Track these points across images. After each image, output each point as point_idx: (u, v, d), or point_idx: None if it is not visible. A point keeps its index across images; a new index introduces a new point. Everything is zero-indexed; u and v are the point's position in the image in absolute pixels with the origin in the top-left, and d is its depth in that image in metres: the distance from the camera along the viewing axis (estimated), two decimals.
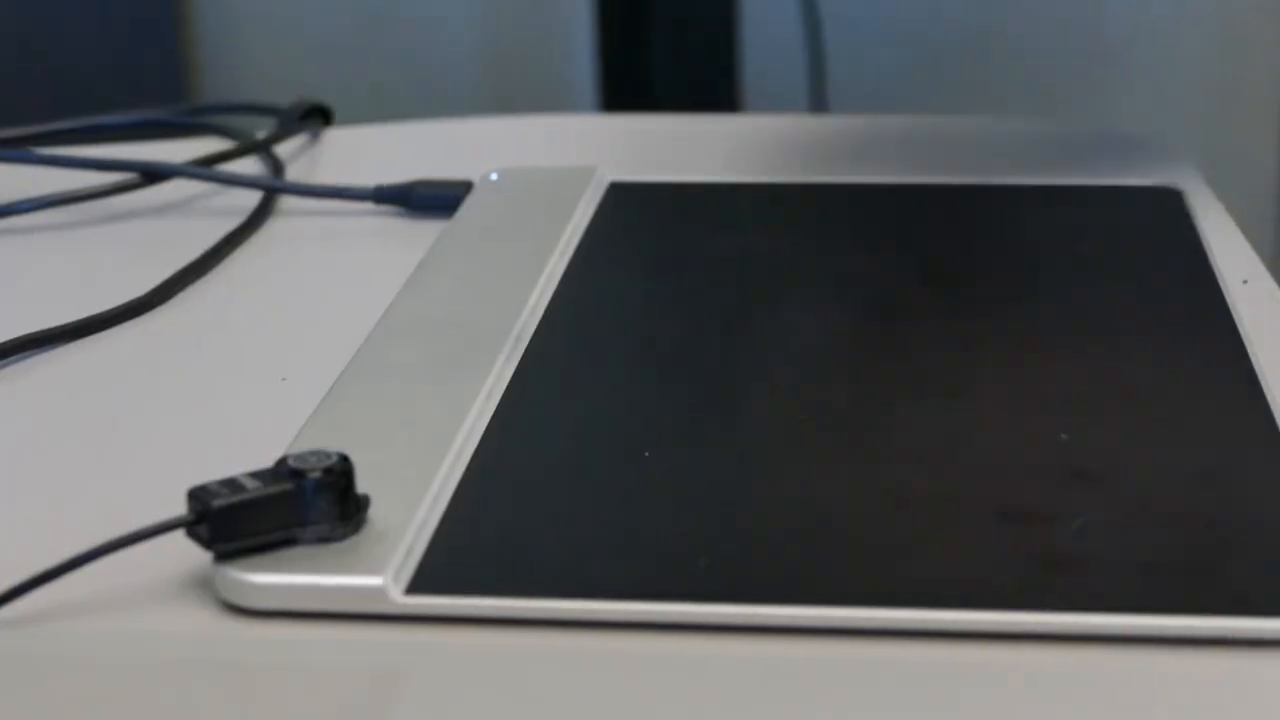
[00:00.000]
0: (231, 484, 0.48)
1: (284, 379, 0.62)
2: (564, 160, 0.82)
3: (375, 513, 0.49)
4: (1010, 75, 2.02)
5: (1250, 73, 2.02)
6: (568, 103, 2.04)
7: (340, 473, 0.48)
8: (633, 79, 1.83)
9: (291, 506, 0.48)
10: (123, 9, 1.94)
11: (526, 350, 0.61)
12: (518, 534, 0.50)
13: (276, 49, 2.07)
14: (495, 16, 2.05)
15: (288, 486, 0.48)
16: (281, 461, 0.49)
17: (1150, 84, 2.02)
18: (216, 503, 0.47)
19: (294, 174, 0.83)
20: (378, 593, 0.47)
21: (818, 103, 1.95)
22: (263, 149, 0.84)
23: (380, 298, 0.66)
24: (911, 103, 1.97)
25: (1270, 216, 2.04)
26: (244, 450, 0.56)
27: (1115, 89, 2.02)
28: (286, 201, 0.80)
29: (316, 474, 0.48)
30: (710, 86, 1.81)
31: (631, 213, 0.75)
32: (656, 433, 0.55)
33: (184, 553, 0.49)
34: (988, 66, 2.02)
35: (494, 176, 0.78)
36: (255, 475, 0.49)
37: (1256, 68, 2.02)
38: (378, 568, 0.47)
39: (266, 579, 0.47)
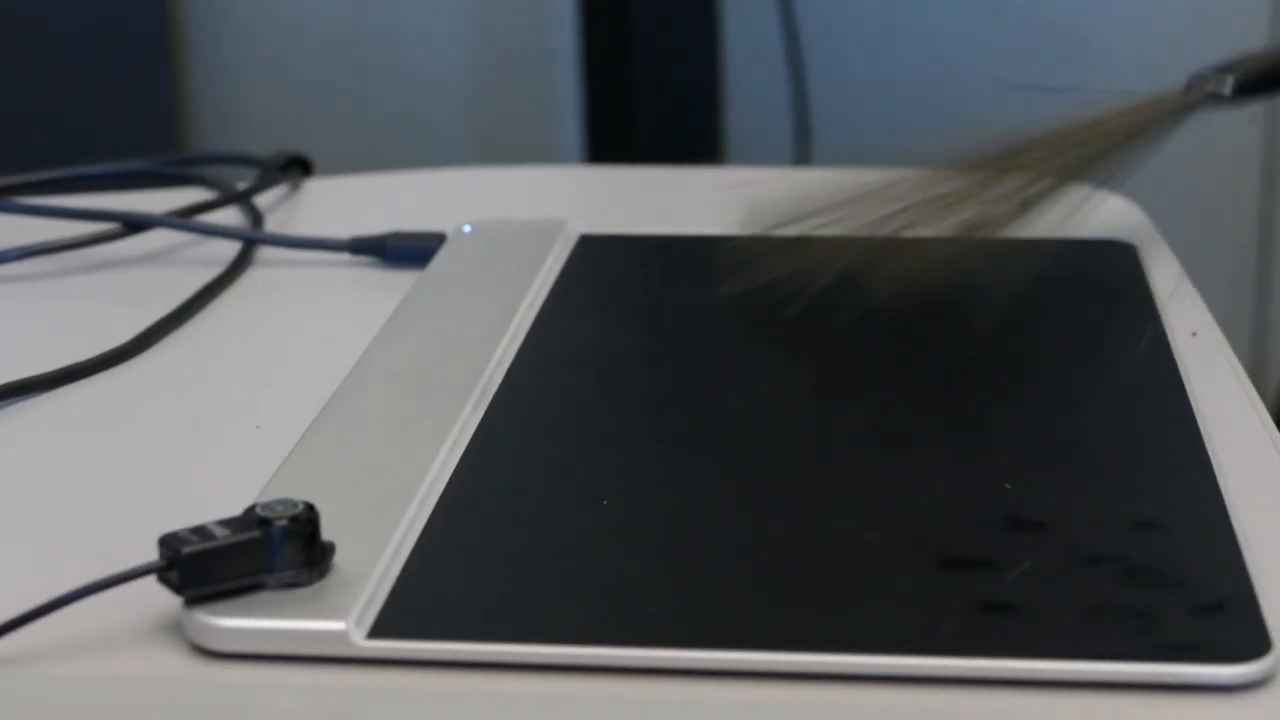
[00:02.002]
0: (201, 531, 0.50)
1: (258, 427, 0.63)
2: (541, 211, 0.84)
3: (340, 559, 0.51)
4: (994, 119, 2.04)
5: (1232, 122, 2.04)
6: (553, 153, 2.06)
7: (306, 521, 0.50)
8: (617, 129, 1.85)
9: (259, 553, 0.50)
10: (118, 62, 1.96)
11: (492, 402, 0.62)
12: (478, 580, 0.51)
13: (269, 101, 2.09)
14: (482, 68, 2.07)
15: (255, 534, 0.50)
16: (250, 510, 0.51)
17: None
18: (186, 549, 0.49)
19: (273, 224, 0.85)
20: (340, 637, 0.48)
21: (801, 149, 1.97)
22: (243, 200, 0.85)
23: (353, 347, 0.68)
24: (899, 147, 1.99)
25: (1252, 254, 2.06)
26: (218, 497, 0.58)
27: None
28: (265, 252, 0.81)
29: (283, 522, 0.50)
30: (693, 137, 1.83)
31: (600, 265, 0.76)
32: (615, 482, 0.57)
33: (155, 597, 0.51)
34: (973, 110, 2.03)
35: (466, 229, 0.80)
36: (224, 523, 0.50)
37: (1239, 117, 2.04)
38: (341, 613, 0.49)
39: (234, 623, 0.49)
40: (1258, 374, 2.07)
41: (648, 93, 1.83)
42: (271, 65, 2.09)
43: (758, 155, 1.98)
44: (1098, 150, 0.75)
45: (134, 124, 1.96)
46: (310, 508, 0.51)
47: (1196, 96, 0.78)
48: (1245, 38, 1.99)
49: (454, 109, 2.08)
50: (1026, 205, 0.73)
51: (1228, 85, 0.78)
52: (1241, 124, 2.04)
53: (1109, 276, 0.74)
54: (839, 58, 2.03)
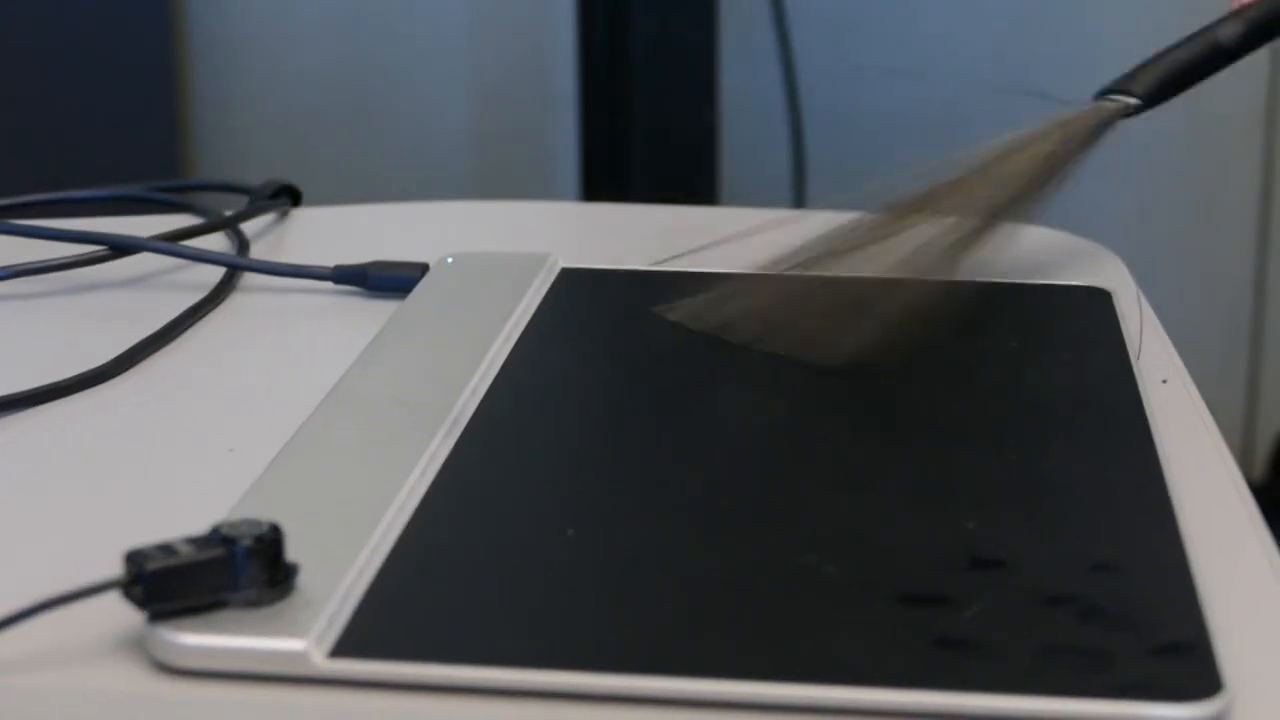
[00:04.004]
0: (166, 548, 0.50)
1: (232, 450, 0.64)
2: (528, 246, 0.84)
3: (304, 580, 0.51)
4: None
5: (1228, 169, 2.05)
6: (550, 194, 2.07)
7: (270, 541, 0.50)
8: (615, 171, 1.85)
9: (222, 571, 0.50)
10: (121, 92, 1.97)
11: (464, 431, 0.63)
12: (442, 604, 0.52)
13: (269, 140, 2.10)
14: (482, 109, 2.08)
15: (219, 552, 0.50)
16: (215, 529, 0.51)
17: (1126, 177, 2.04)
18: (151, 565, 0.50)
19: (259, 252, 0.85)
20: (300, 656, 0.49)
21: (798, 192, 1.97)
22: (229, 226, 0.86)
23: (331, 374, 0.68)
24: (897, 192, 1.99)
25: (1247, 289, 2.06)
26: (188, 517, 0.58)
27: (1094, 182, 2.04)
28: (249, 278, 0.82)
29: (248, 541, 0.50)
30: (689, 179, 1.83)
31: (580, 298, 0.77)
32: (582, 513, 0.57)
33: (119, 613, 0.51)
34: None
35: (449, 260, 0.80)
36: (190, 541, 0.51)
37: (1234, 163, 2.04)
38: (301, 632, 0.49)
39: (195, 640, 0.49)
40: (1249, 429, 2.07)
41: (646, 136, 1.83)
42: (272, 104, 2.09)
43: (753, 199, 1.98)
44: (1027, 183, 0.76)
45: (136, 155, 1.97)
46: (275, 528, 0.51)
47: (1111, 112, 0.79)
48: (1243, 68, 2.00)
49: (453, 149, 2.09)
50: (963, 246, 0.74)
51: (1135, 99, 0.80)
52: (1237, 173, 2.05)
53: (1083, 322, 0.74)
54: (837, 100, 2.03)
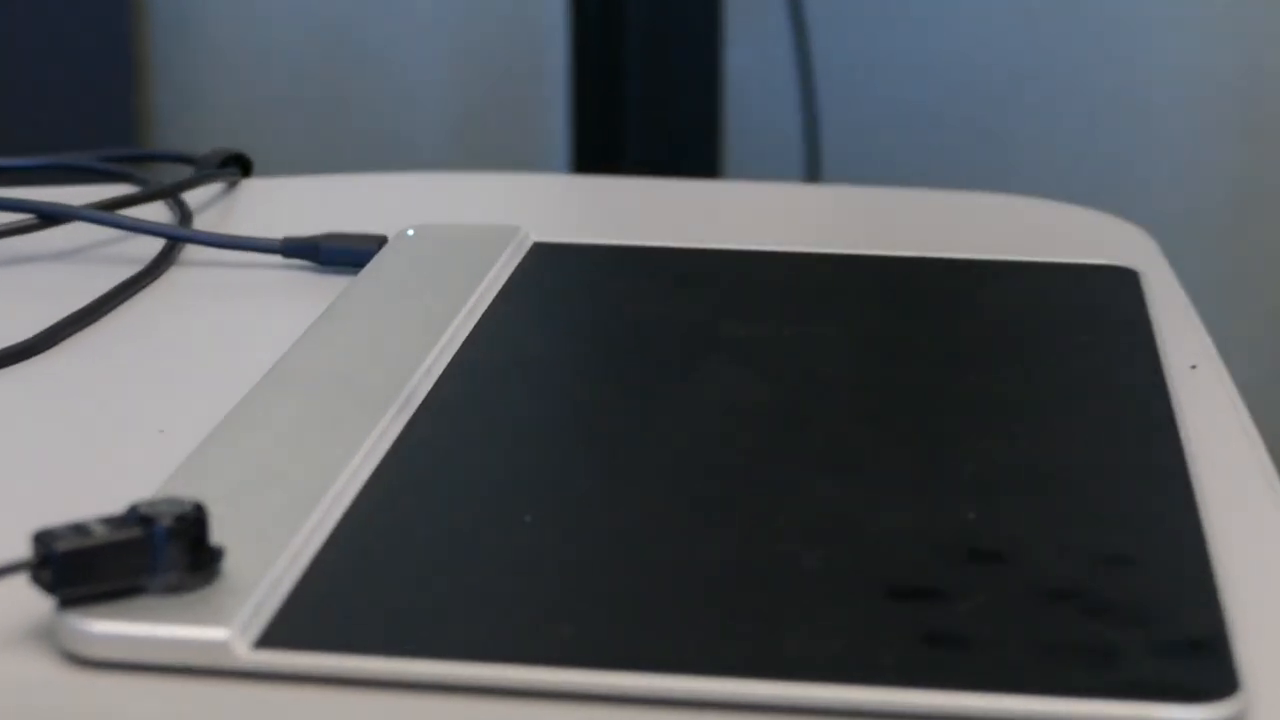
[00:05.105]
0: (79, 528, 0.50)
1: (162, 431, 0.63)
2: (501, 220, 0.84)
3: (230, 565, 0.51)
4: (1009, 162, 2.04)
5: (1262, 164, 2.04)
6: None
7: (193, 521, 0.50)
8: (607, 153, 1.85)
9: (139, 554, 0.50)
10: (81, 75, 1.97)
11: (417, 411, 0.62)
12: (381, 592, 0.51)
13: (238, 116, 2.09)
14: (468, 90, 2.08)
15: (136, 533, 0.50)
16: (133, 508, 0.50)
17: (1175, 169, 2.04)
18: (60, 546, 0.49)
19: (204, 223, 0.85)
20: (221, 647, 0.48)
21: (811, 178, 1.97)
22: (171, 195, 0.85)
23: (275, 354, 0.68)
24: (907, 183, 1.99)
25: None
26: (110, 500, 0.58)
27: (1143, 173, 2.04)
28: (192, 251, 0.81)
29: (167, 521, 0.50)
30: (689, 168, 1.83)
31: (551, 274, 0.76)
32: (542, 498, 0.57)
33: (29, 599, 0.51)
34: (987, 152, 2.04)
35: (410, 232, 0.80)
36: (105, 520, 0.50)
37: (1268, 160, 2.04)
38: (224, 620, 0.48)
39: (108, 628, 0.49)
40: None
41: (639, 121, 1.83)
42: (239, 87, 2.09)
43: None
44: None
45: (92, 141, 1.97)
46: (198, 507, 0.50)
47: None
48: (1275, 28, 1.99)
49: (433, 131, 2.09)
50: None
51: None
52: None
53: (1108, 302, 0.74)
54: (852, 85, 2.03)
